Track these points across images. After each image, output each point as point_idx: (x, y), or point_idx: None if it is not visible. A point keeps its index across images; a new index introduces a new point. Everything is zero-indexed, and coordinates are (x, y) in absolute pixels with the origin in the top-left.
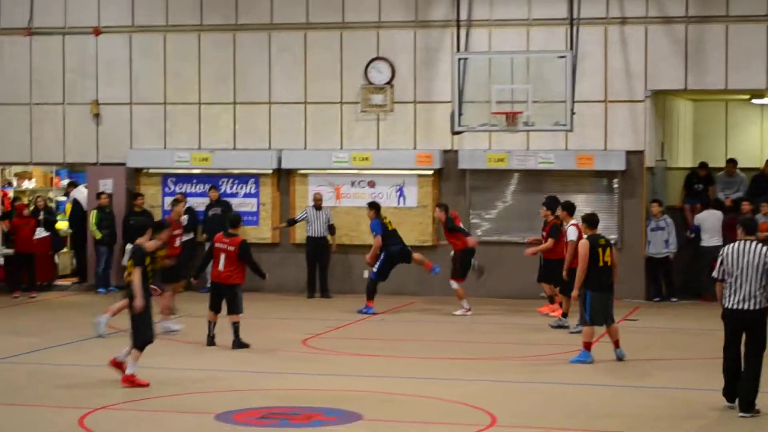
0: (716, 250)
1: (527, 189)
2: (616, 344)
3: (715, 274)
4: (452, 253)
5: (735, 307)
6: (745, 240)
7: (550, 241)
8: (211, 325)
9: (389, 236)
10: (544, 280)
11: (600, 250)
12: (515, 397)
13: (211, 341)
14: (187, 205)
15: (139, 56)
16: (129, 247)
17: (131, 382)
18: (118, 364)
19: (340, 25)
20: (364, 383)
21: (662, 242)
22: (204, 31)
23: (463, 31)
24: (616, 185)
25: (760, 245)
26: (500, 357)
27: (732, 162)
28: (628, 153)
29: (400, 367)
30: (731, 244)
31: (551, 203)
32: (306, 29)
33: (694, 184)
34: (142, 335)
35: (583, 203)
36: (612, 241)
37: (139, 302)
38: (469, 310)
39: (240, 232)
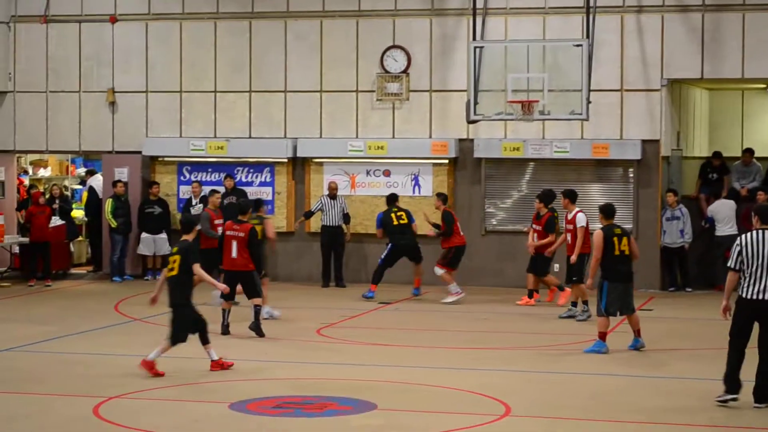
0: (730, 239)
1: (543, 178)
2: (637, 333)
3: (731, 263)
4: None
5: (755, 297)
6: (763, 229)
7: (551, 236)
8: (225, 313)
9: (396, 230)
10: (533, 271)
11: (615, 239)
12: (530, 387)
13: (225, 330)
14: (202, 194)
15: (155, 44)
16: (145, 236)
17: (150, 368)
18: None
19: (356, 13)
20: (378, 372)
21: (677, 232)
22: (220, 19)
23: (479, 20)
24: (631, 175)
25: None
26: (514, 346)
27: (748, 151)
28: (644, 142)
29: (415, 356)
30: (748, 234)
31: (546, 197)
32: (322, 17)
33: (709, 173)
34: (177, 333)
35: (598, 192)
36: (629, 231)
37: (221, 286)
38: (461, 292)
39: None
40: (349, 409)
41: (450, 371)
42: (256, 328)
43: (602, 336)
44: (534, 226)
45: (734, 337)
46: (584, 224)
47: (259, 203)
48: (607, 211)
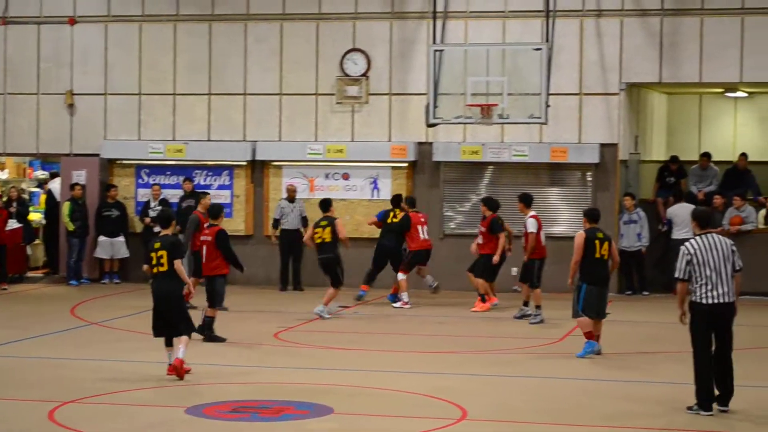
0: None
1: (501, 182)
2: (597, 338)
3: (679, 274)
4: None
5: (714, 301)
6: (707, 233)
7: (502, 236)
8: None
9: (385, 229)
10: (478, 274)
11: (597, 243)
12: (486, 391)
13: (201, 330)
14: (161, 197)
15: (115, 46)
16: (102, 239)
17: (179, 369)
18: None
19: (317, 16)
20: (335, 377)
21: (635, 236)
22: (180, 22)
23: (439, 23)
24: (589, 178)
25: (721, 237)
26: (471, 350)
27: (706, 155)
28: (602, 146)
29: (372, 360)
30: (693, 241)
31: (488, 201)
32: (282, 20)
33: (666, 177)
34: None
35: (556, 196)
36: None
37: (191, 287)
38: (407, 304)
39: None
40: (305, 414)
41: (407, 375)
42: (210, 339)
43: (589, 336)
44: (480, 227)
45: (699, 347)
46: (534, 229)
47: (327, 203)
48: (591, 214)
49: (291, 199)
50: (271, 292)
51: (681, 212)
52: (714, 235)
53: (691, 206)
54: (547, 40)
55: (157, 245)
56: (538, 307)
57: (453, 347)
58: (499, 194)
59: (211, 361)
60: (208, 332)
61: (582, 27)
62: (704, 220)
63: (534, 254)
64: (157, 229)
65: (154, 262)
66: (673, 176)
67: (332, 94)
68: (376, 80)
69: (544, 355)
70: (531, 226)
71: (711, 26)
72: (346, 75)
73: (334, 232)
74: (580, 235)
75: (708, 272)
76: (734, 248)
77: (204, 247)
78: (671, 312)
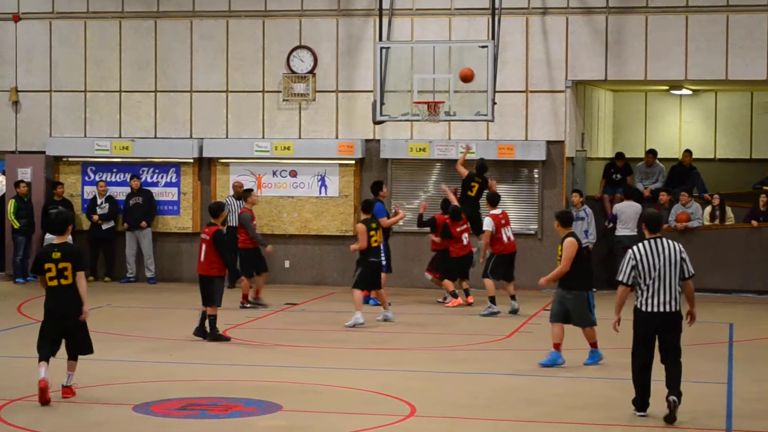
0: (628, 239)
1: (449, 179)
2: (558, 347)
3: (622, 277)
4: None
5: (656, 310)
6: (655, 238)
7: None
8: (204, 315)
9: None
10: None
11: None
12: (434, 387)
13: (199, 332)
14: (107, 194)
15: (59, 43)
16: (49, 237)
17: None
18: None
19: (263, 13)
20: (283, 374)
21: (582, 233)
22: (125, 18)
23: (385, 20)
24: (536, 175)
25: (672, 241)
26: (421, 347)
27: (651, 152)
28: (549, 143)
29: (320, 357)
30: (640, 245)
31: (444, 205)
32: (228, 17)
33: (613, 174)
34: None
35: (503, 193)
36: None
37: (87, 307)
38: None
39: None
40: (254, 411)
41: (355, 372)
42: (213, 338)
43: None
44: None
45: (639, 355)
46: (489, 228)
47: (370, 205)
48: (566, 219)
49: (238, 196)
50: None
51: (627, 210)
52: (663, 240)
53: (638, 205)
54: (493, 38)
55: (56, 255)
56: (491, 299)
57: (401, 344)
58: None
59: (159, 359)
60: (213, 332)
61: (528, 24)
62: (654, 224)
63: (494, 249)
64: (49, 236)
65: (53, 273)
66: (619, 173)
67: (279, 92)
68: (322, 77)
69: (493, 351)
70: (486, 224)
71: (656, 24)
72: (293, 72)
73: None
74: (572, 242)
75: (651, 279)
76: (684, 255)
77: (203, 246)
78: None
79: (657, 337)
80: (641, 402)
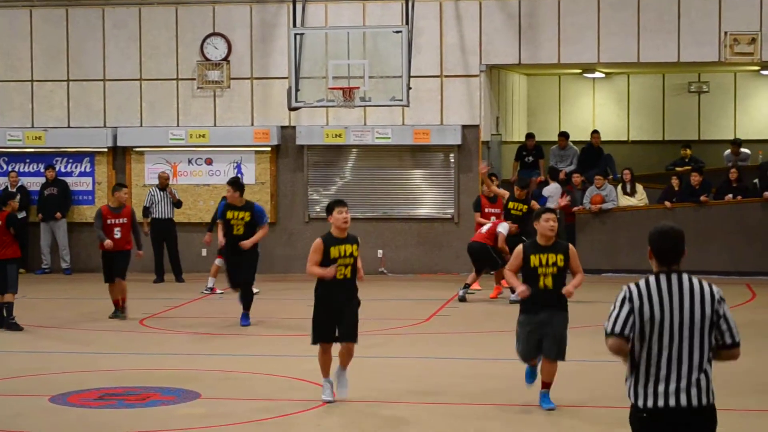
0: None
1: (365, 164)
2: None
3: (614, 327)
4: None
5: (662, 404)
6: (671, 272)
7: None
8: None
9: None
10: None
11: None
12: (354, 372)
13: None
14: (19, 184)
15: None
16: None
17: None
18: None
19: (176, 1)
20: (201, 362)
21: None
22: (35, 7)
23: (299, 6)
24: (452, 160)
25: (700, 280)
26: None
27: (563, 135)
28: (464, 127)
29: (239, 345)
30: (644, 282)
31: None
32: (140, 5)
33: (525, 156)
34: None
35: (420, 178)
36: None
37: None
38: (216, 290)
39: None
40: (172, 399)
41: (275, 359)
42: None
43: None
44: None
45: None
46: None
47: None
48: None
49: (162, 186)
50: (145, 281)
51: (556, 193)
52: (685, 277)
53: (559, 186)
54: (407, 23)
55: None
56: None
57: None
58: (363, 177)
59: (74, 349)
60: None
61: (441, 9)
62: (669, 249)
63: None
64: None
65: None
66: (531, 155)
67: (193, 79)
68: (237, 64)
69: (411, 335)
70: None
71: (568, 8)
72: (207, 60)
73: None
74: (573, 250)
75: (662, 345)
76: (722, 306)
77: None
78: None
79: None
80: None
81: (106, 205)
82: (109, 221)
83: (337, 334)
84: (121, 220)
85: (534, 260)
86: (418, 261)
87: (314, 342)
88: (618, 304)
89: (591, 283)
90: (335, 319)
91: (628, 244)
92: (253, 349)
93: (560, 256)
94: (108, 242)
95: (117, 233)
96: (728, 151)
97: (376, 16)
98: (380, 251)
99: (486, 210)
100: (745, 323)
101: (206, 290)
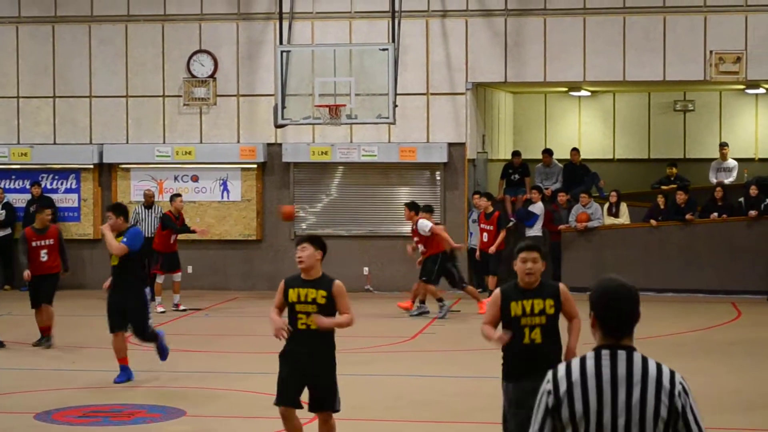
0: (533, 240)
1: (351, 182)
2: None
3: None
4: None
5: None
6: (618, 347)
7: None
8: None
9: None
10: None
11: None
12: (340, 390)
13: None
14: (5, 200)
15: None
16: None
17: None
18: None
19: (162, 18)
20: (187, 379)
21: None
22: (22, 24)
23: (285, 24)
24: (438, 177)
25: (654, 361)
26: None
27: (547, 152)
28: (450, 145)
29: (224, 362)
30: (578, 362)
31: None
32: (127, 21)
33: (511, 174)
34: None
35: (406, 196)
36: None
37: None
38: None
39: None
40: (158, 417)
41: (259, 376)
42: None
43: None
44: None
45: None
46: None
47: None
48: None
49: (148, 205)
50: None
51: (539, 210)
52: (636, 356)
53: (542, 206)
54: (393, 41)
55: None
56: (439, 300)
57: None
58: (349, 194)
59: (60, 367)
60: None
61: (428, 27)
62: (613, 318)
63: (434, 249)
64: None
65: None
66: (517, 173)
67: (179, 96)
68: (223, 81)
69: (397, 353)
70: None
71: (554, 26)
72: (193, 77)
73: None
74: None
75: None
76: (684, 398)
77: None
78: None
79: None
80: None
81: (30, 227)
82: (34, 243)
83: (309, 399)
84: (47, 242)
85: (515, 308)
86: (403, 278)
87: (275, 403)
88: (539, 402)
89: (576, 301)
90: (299, 380)
91: (614, 263)
92: (238, 366)
93: (549, 302)
94: (26, 273)
95: (44, 255)
96: (715, 160)
97: (363, 33)
98: (366, 268)
99: (481, 226)
100: (732, 342)
101: (178, 309)
